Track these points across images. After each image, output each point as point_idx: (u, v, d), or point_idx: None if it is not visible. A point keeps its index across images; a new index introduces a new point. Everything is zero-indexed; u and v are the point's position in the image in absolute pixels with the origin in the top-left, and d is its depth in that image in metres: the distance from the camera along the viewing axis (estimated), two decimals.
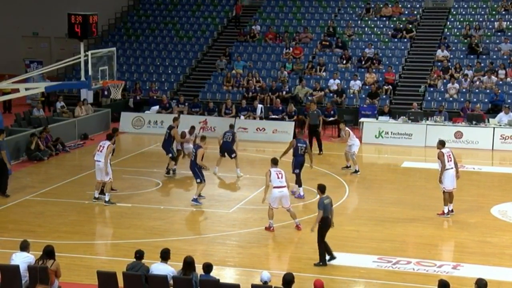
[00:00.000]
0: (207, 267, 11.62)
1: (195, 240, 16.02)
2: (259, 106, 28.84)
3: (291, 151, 19.58)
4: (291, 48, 33.72)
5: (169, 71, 34.26)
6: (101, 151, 18.48)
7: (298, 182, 19.38)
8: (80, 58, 20.55)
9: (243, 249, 15.53)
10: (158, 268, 11.72)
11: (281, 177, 16.42)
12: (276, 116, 28.26)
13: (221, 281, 11.74)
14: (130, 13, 39.16)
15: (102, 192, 18.82)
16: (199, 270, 11.70)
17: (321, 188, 14.58)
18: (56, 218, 17.41)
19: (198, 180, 18.57)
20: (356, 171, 21.91)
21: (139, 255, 11.94)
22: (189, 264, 11.48)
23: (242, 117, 28.35)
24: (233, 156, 21.70)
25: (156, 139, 27.58)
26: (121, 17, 39.19)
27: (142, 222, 17.36)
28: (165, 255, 11.86)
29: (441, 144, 17.80)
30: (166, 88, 32.88)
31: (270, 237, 16.08)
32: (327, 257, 14.36)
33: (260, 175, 21.07)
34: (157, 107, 29.79)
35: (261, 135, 27.36)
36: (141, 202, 18.81)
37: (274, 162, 16.88)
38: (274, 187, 16.38)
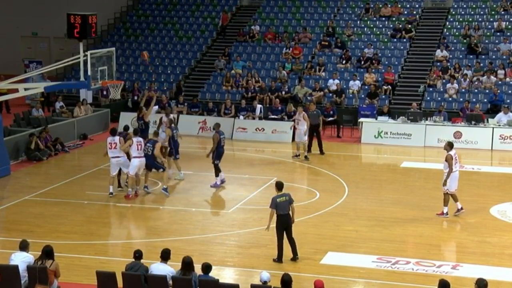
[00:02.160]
0: (206, 268, 11.61)
1: (194, 240, 16.00)
2: (259, 106, 28.85)
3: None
4: (290, 48, 33.72)
5: (169, 71, 34.26)
6: (115, 148, 19.03)
7: (217, 172, 20.11)
8: (79, 58, 20.55)
9: (242, 249, 15.52)
10: (158, 268, 11.72)
11: (140, 149, 18.78)
12: (276, 116, 28.27)
13: (220, 281, 11.74)
14: (130, 13, 39.15)
15: (120, 185, 19.67)
16: (198, 270, 11.69)
17: (278, 185, 14.72)
18: (55, 218, 17.40)
19: (161, 170, 19.22)
20: (305, 157, 23.51)
21: (138, 255, 11.93)
22: (187, 264, 11.46)
23: (241, 117, 28.36)
24: (177, 157, 21.30)
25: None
26: (120, 17, 39.19)
27: (142, 222, 17.36)
28: (165, 255, 11.85)
29: (450, 146, 17.64)
30: (165, 88, 32.87)
31: (270, 238, 16.07)
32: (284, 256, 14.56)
33: (260, 175, 21.16)
34: (156, 107, 29.74)
35: (260, 135, 27.36)
36: (141, 202, 18.80)
37: (135, 132, 19.48)
38: (134, 157, 18.75)
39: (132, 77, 33.87)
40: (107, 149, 19.03)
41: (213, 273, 11.77)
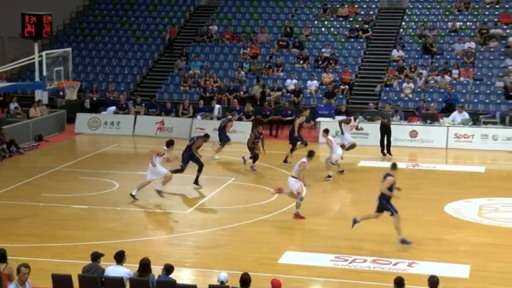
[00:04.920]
0: (168, 269, 11.55)
1: (152, 241, 15.93)
2: (217, 106, 28.84)
3: None
4: (248, 48, 33.77)
5: (126, 72, 34.02)
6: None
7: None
8: (34, 58, 20.28)
9: (200, 250, 15.50)
10: (114, 270, 11.61)
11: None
12: None
13: (178, 282, 11.69)
14: (86, 13, 38.75)
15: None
16: (156, 271, 11.63)
17: None
18: (10, 221, 17.14)
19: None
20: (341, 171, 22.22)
21: (95, 257, 11.81)
22: (145, 266, 11.40)
23: (199, 117, 28.31)
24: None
25: (113, 140, 27.42)
26: (76, 17, 38.76)
27: (99, 223, 17.20)
28: (119, 258, 11.74)
29: None
30: (122, 88, 32.64)
31: (228, 238, 16.09)
32: None
33: (219, 175, 21.12)
34: (114, 108, 29.57)
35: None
36: (98, 204, 18.64)
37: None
38: None
39: (89, 77, 33.55)
40: None
41: (171, 274, 11.71)
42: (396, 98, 30.13)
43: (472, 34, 33.26)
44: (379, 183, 21.19)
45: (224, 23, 36.31)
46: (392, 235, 16.34)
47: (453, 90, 29.58)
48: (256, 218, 17.37)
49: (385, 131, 24.92)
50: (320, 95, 30.55)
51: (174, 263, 13.00)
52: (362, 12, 35.82)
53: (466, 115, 27.11)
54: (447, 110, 28.45)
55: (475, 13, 34.74)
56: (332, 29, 35.16)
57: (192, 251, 15.47)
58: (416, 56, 32.71)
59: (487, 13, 34.65)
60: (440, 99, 29.57)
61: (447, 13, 35.20)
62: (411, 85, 30.32)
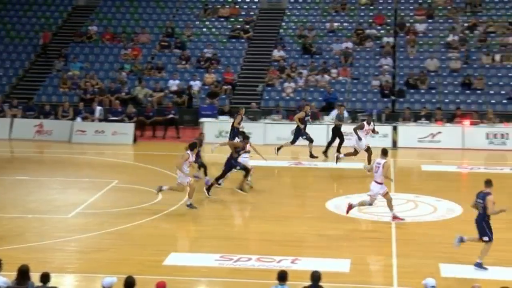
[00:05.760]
0: (45, 277, 11.18)
1: (31, 248, 15.39)
2: (98, 108, 28.30)
3: None
4: (129, 49, 33.34)
5: (0, 73, 32.79)
6: None
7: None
8: None
9: (82, 255, 15.13)
10: None
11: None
12: (116, 118, 27.86)
13: None
14: None
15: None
16: (36, 279, 11.25)
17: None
18: None
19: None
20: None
21: None
22: (23, 273, 10.98)
23: (79, 119, 27.68)
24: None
25: None
26: None
27: None
28: None
29: None
30: None
31: (112, 241, 15.80)
32: None
33: (100, 178, 20.72)
34: None
35: (100, 137, 26.86)
36: None
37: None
38: None
39: None
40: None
41: (52, 281, 11.36)
42: (277, 97, 30.59)
43: (349, 34, 34.25)
44: (264, 181, 21.51)
45: (104, 23, 35.68)
46: (275, 234, 16.55)
47: (332, 89, 30.36)
48: (140, 221, 17.16)
49: (337, 133, 24.89)
50: (203, 95, 30.58)
51: (55, 269, 12.70)
52: (243, 13, 36.13)
53: (345, 113, 27.82)
54: (327, 108, 29.16)
55: (351, 14, 35.82)
56: (213, 30, 35.27)
57: (74, 256, 15.08)
58: (296, 56, 33.34)
59: (362, 14, 35.79)
60: (320, 98, 30.28)
61: (325, 13, 36.06)
62: (292, 84, 30.89)
